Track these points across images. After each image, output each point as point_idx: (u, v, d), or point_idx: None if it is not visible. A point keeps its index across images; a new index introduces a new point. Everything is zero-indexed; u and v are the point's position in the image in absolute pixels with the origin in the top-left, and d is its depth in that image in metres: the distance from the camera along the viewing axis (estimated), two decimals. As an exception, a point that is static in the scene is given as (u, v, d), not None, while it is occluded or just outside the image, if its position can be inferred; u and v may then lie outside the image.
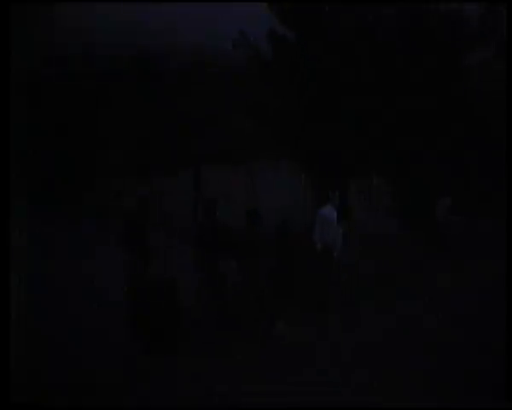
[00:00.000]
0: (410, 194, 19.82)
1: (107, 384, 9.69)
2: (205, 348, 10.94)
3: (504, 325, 9.63)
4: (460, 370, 9.93)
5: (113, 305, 12.44)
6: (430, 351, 10.76)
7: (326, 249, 12.98)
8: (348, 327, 12.09)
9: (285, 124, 18.83)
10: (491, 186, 19.59)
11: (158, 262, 12.19)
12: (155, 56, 29.24)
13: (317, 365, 10.14)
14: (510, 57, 13.67)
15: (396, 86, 18.06)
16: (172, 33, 28.71)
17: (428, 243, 18.06)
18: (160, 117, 28.79)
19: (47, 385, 9.39)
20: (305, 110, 18.29)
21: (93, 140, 27.06)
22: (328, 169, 18.27)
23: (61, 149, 26.51)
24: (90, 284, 14.15)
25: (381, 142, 18.34)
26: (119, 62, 25.47)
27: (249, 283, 11.49)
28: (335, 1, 18.33)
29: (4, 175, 8.26)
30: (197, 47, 21.77)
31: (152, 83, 30.24)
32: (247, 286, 11.54)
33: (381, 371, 10.02)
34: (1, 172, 8.22)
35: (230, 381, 9.58)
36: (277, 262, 12.86)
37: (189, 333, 11.40)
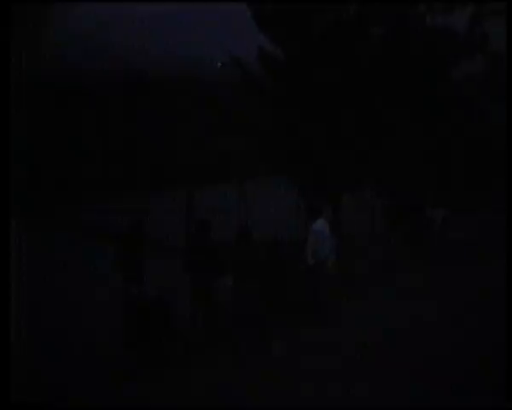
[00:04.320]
0: (402, 206, 19.93)
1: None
2: (198, 364, 10.92)
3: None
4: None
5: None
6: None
7: (319, 263, 12.86)
8: (336, 339, 12.02)
9: (275, 140, 18.81)
10: (489, 196, 19.75)
11: (151, 281, 12.16)
12: (146, 72, 29.20)
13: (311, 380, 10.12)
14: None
15: (386, 99, 18.11)
16: (163, 50, 28.80)
17: (422, 252, 18.19)
18: (149, 133, 28.74)
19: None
20: (295, 126, 18.29)
21: (82, 153, 26.95)
22: (321, 183, 18.29)
23: (51, 160, 26.34)
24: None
25: (372, 155, 18.40)
26: (109, 77, 25.45)
27: (243, 299, 11.49)
28: (324, 17, 18.33)
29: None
30: (188, 64, 21.84)
31: (142, 99, 30.19)
32: (241, 302, 11.54)
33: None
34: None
35: (223, 394, 9.60)
36: (268, 278, 12.82)
37: (183, 350, 11.41)
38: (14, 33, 8.68)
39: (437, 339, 11.31)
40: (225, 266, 11.73)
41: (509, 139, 11.95)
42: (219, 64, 20.73)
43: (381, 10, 18.33)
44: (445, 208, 19.98)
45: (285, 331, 11.99)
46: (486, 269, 15.23)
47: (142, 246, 11.89)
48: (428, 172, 20.02)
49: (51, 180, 24.55)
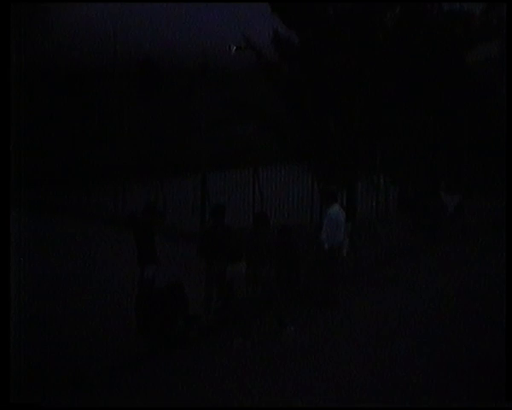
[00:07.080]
0: (416, 191, 19.93)
1: (107, 384, 9.71)
2: (212, 350, 10.96)
3: (504, 325, 9.62)
4: (460, 370, 9.94)
5: (115, 306, 12.46)
6: (430, 351, 10.76)
7: (333, 249, 12.94)
8: (349, 325, 12.08)
9: (290, 126, 18.81)
10: (494, 183, 19.72)
11: (165, 267, 12.20)
12: (159, 58, 29.27)
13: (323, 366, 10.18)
14: (511, 56, 13.68)
15: (399, 85, 18.07)
16: (176, 36, 28.81)
17: (434, 238, 18.14)
18: (163, 120, 28.81)
19: (47, 385, 9.40)
20: (310, 112, 18.27)
21: (94, 141, 27.05)
22: (335, 169, 18.29)
23: (60, 148, 26.51)
24: (91, 285, 14.14)
25: (386, 140, 18.42)
26: (122, 64, 25.41)
27: (258, 285, 11.51)
28: (338, 2, 18.28)
29: (4, 174, 8.25)
30: (201, 50, 21.78)
31: (155, 85, 30.28)
32: (255, 289, 11.56)
33: (381, 370, 10.03)
34: (1, 171, 8.21)
35: (235, 382, 9.64)
36: (281, 264, 12.83)
37: (197, 335, 11.45)
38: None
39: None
40: (239, 251, 11.78)
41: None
42: (234, 48, 20.66)
43: None
44: (460, 194, 19.95)
45: (297, 317, 12.04)
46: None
47: (155, 229, 11.91)
48: (442, 157, 19.99)
49: (60, 172, 24.65)
